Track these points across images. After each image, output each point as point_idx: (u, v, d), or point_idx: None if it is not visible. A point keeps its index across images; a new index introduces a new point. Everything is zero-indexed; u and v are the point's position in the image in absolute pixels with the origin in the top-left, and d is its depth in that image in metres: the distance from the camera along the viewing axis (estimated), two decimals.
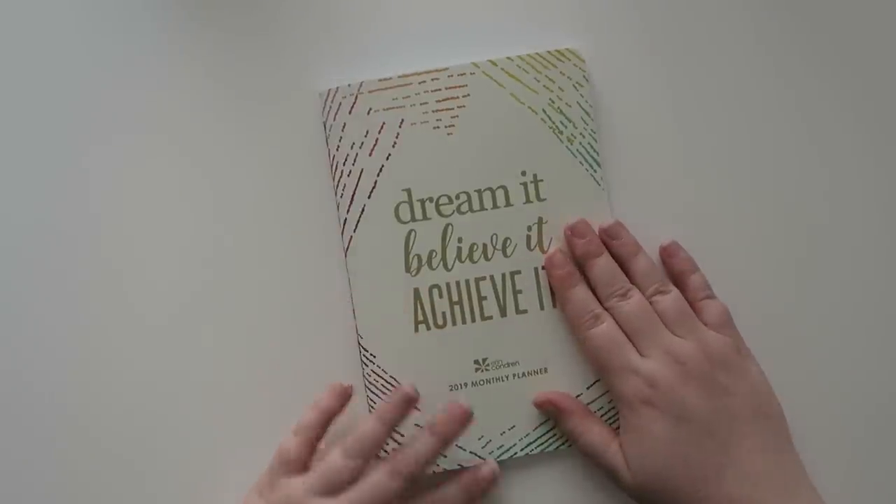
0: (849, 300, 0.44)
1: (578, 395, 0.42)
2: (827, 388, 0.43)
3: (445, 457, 0.41)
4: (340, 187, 0.41)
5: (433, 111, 0.41)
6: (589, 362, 0.41)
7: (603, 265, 0.41)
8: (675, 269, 0.42)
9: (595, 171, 0.42)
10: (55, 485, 0.42)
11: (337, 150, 0.41)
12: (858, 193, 0.44)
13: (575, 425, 0.40)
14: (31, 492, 0.42)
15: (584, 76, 0.42)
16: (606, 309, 0.40)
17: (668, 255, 0.43)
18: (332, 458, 0.38)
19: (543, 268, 0.42)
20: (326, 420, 0.40)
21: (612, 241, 0.42)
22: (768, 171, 0.44)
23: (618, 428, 0.40)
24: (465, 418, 0.39)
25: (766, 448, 0.38)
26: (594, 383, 0.42)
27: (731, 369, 0.39)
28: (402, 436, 0.41)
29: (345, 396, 0.41)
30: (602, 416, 0.42)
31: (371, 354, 0.41)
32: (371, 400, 0.42)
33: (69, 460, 0.42)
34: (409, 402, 0.39)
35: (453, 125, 0.41)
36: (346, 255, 0.41)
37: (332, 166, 0.42)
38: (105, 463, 0.42)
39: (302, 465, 0.39)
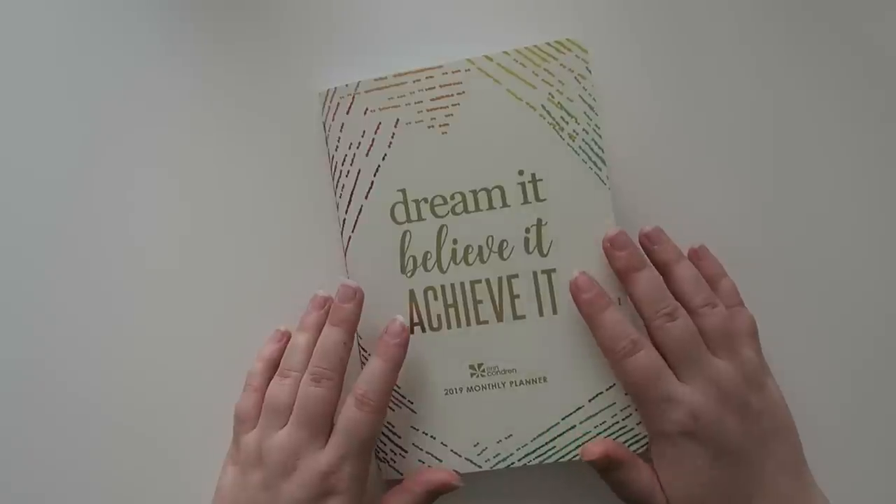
0: (852, 300, 0.42)
1: (580, 408, 0.40)
2: (826, 389, 0.42)
3: (441, 461, 0.41)
4: (339, 187, 0.42)
5: (427, 110, 0.40)
6: (625, 390, 0.39)
7: (648, 280, 0.38)
8: (704, 273, 0.40)
9: (599, 169, 0.39)
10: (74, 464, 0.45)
11: (336, 150, 0.42)
12: (865, 192, 0.41)
13: (625, 475, 0.38)
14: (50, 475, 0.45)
15: (586, 67, 0.39)
16: (652, 329, 0.38)
17: (697, 258, 0.41)
18: (269, 387, 0.40)
19: (544, 272, 0.40)
20: (270, 368, 0.41)
21: (652, 247, 0.39)
22: (782, 165, 0.41)
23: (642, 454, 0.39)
24: (402, 333, 0.39)
25: (786, 466, 0.37)
26: (596, 396, 0.39)
27: (760, 390, 0.37)
28: (400, 437, 0.41)
29: (284, 340, 0.42)
30: (606, 430, 0.39)
31: (370, 354, 0.41)
32: None
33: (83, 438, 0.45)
34: (322, 304, 0.41)
35: (447, 124, 0.40)
36: (345, 256, 0.42)
37: (331, 166, 0.42)
38: (96, 460, 0.45)
39: (256, 416, 0.40)
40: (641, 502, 0.37)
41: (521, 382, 0.40)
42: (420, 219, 0.41)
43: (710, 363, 0.37)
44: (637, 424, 0.39)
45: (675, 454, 0.37)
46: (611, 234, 0.38)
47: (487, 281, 0.40)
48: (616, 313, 0.38)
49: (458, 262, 0.41)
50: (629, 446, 0.39)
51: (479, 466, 0.41)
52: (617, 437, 0.39)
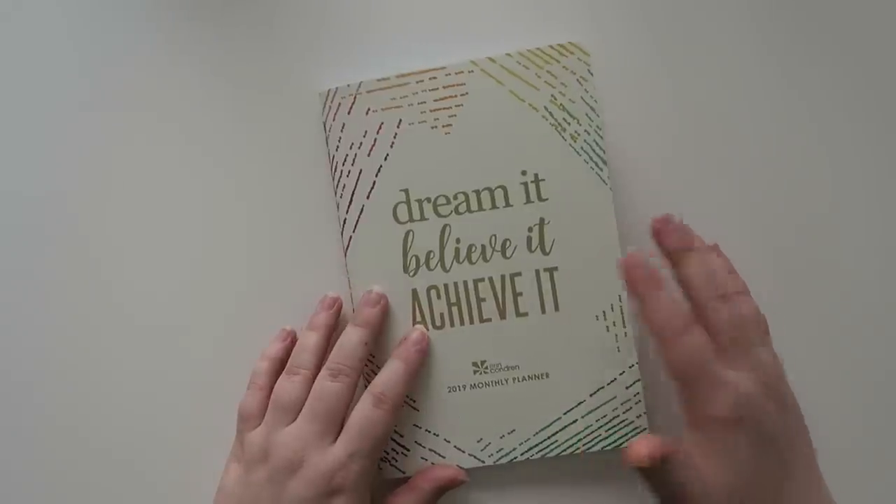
0: (855, 301, 0.42)
1: (581, 402, 0.40)
2: (828, 389, 0.42)
3: (444, 457, 0.41)
4: (340, 187, 0.42)
5: (431, 110, 0.41)
6: (673, 374, 0.36)
7: (700, 261, 0.36)
8: None
9: (601, 169, 0.40)
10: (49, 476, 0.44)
11: (336, 150, 0.41)
12: (868, 193, 0.42)
13: (680, 471, 0.34)
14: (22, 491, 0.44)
15: (588, 70, 0.40)
16: (707, 311, 0.36)
17: None
18: (277, 385, 0.40)
19: (546, 270, 0.41)
20: (275, 367, 0.41)
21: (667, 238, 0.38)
22: (782, 168, 0.42)
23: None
24: (423, 340, 0.40)
25: (809, 463, 0.36)
26: (598, 391, 0.40)
27: (787, 385, 0.37)
28: (402, 436, 0.41)
29: (289, 339, 0.42)
30: (607, 423, 0.40)
31: (370, 355, 0.41)
32: None
33: (62, 457, 0.44)
34: (332, 304, 0.42)
35: (451, 124, 0.40)
36: (345, 255, 0.42)
37: (331, 166, 0.42)
38: (98, 461, 0.44)
39: (261, 414, 0.40)
40: (677, 492, 0.35)
41: (524, 378, 0.41)
42: (423, 218, 0.41)
43: (756, 350, 0.36)
44: (637, 417, 0.40)
45: (718, 439, 0.35)
46: (660, 216, 0.37)
47: (491, 279, 0.41)
48: (670, 295, 0.36)
49: (461, 261, 0.41)
50: (628, 440, 0.40)
51: (483, 462, 0.41)
52: (617, 430, 0.40)
